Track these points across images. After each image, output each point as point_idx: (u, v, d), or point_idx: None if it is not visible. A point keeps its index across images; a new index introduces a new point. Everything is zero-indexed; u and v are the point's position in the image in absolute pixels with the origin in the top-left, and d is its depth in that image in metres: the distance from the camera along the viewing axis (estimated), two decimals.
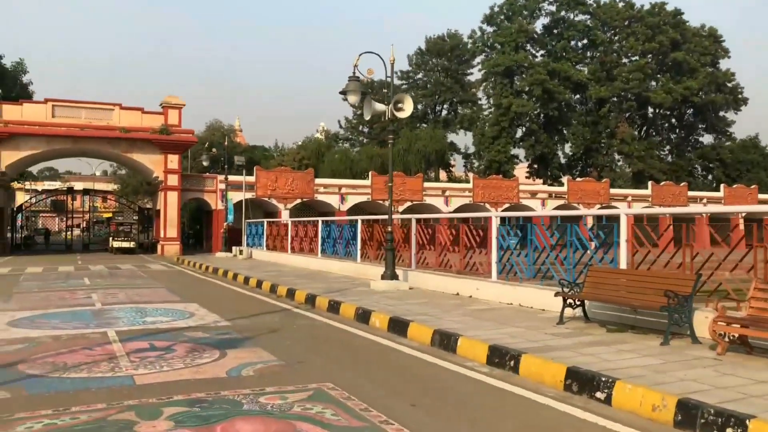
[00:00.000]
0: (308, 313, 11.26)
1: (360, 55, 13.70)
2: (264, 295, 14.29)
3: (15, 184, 65.64)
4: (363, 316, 10.26)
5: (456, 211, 41.99)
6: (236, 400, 5.51)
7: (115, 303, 12.34)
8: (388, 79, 13.83)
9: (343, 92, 13.77)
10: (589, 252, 10.11)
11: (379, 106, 13.77)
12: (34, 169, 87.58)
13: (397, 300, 11.66)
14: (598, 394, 5.85)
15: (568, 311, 8.98)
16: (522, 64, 55.04)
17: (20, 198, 57.05)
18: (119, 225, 40.72)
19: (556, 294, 9.00)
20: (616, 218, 9.74)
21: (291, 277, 17.01)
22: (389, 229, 13.71)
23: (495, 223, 11.84)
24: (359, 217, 17.67)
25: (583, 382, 6.05)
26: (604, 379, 5.88)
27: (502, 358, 7.11)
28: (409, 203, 41.89)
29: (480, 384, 6.36)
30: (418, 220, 14.80)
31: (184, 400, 5.46)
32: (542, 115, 57.25)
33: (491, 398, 5.87)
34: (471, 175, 62.47)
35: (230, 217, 30.38)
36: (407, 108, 13.46)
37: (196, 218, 45.85)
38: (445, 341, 8.08)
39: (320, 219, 20.39)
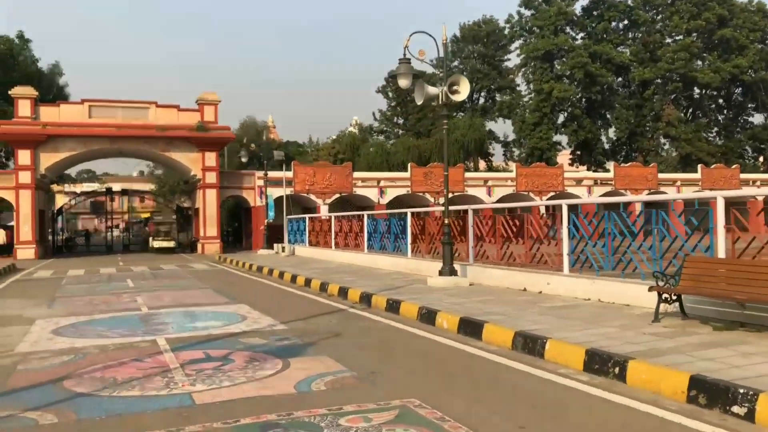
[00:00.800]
0: (366, 314, 10.47)
1: (410, 35, 12.82)
2: (314, 294, 13.56)
3: (55, 187, 66.57)
4: (427, 317, 9.43)
5: (499, 201, 40.88)
6: (314, 422, 4.72)
7: (161, 306, 11.72)
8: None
9: (393, 76, 13.00)
10: (680, 240, 9.09)
11: (432, 90, 12.89)
12: (73, 172, 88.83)
13: (461, 297, 10.79)
14: (736, 409, 4.93)
15: (662, 307, 8.00)
16: (562, 47, 53.45)
17: (60, 201, 57.63)
18: (158, 225, 40.52)
19: (651, 288, 8.03)
20: (705, 203, 8.75)
21: (339, 274, 16.27)
22: (446, 221, 12.83)
23: (566, 212, 10.89)
24: (408, 210, 16.83)
25: (714, 394, 5.13)
26: (742, 390, 4.94)
27: (603, 364, 6.20)
28: (450, 194, 40.79)
29: (591, 398, 5.46)
30: (475, 211, 13.90)
31: (254, 425, 4.70)
32: (584, 100, 55.61)
33: (613, 415, 4.98)
34: (511, 164, 61.38)
35: (271, 214, 29.82)
36: (463, 90, 12.55)
37: (234, 216, 45.56)
38: (530, 345, 7.20)
39: (365, 213, 19.61)
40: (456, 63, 63.01)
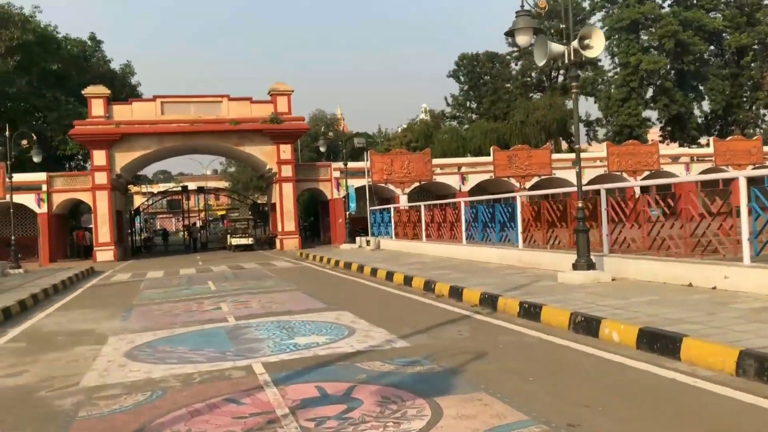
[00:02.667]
0: (497, 321, 8.49)
1: None
2: (419, 295, 11.68)
3: (132, 188, 67.43)
4: (585, 326, 7.37)
5: (590, 183, 38.00)
6: None
7: (250, 316, 10.07)
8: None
9: (510, 32, 10.82)
10: None
11: (557, 47, 10.74)
12: (149, 173, 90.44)
13: (614, 298, 8.67)
14: None
15: None
16: (648, 16, 49.66)
17: (138, 202, 57.99)
18: (234, 221, 39.63)
19: None
20: None
21: (440, 270, 14.32)
22: (579, 205, 10.66)
23: (744, 186, 8.60)
24: (518, 194, 14.75)
25: None
26: None
27: None
28: (536, 178, 38.32)
29: None
30: (609, 191, 11.69)
31: None
32: (674, 71, 51.63)
33: None
34: (594, 144, 57.98)
35: (352, 206, 28.15)
36: (597, 44, 10.35)
37: (310, 209, 44.32)
38: None
39: (462, 200, 17.58)
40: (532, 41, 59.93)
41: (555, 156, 39.91)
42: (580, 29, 10.62)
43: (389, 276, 14.41)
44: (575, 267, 10.56)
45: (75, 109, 35.02)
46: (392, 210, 23.54)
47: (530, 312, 8.58)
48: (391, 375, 5.83)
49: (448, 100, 65.78)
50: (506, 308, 9.18)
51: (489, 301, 9.72)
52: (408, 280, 13.21)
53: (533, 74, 60.35)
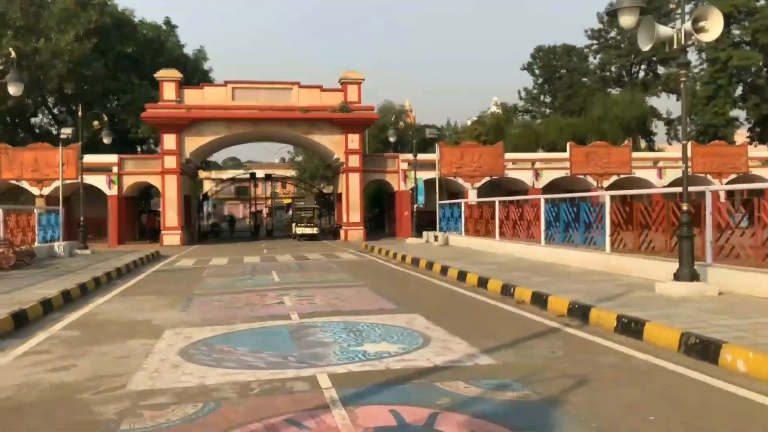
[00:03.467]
0: (591, 337, 7.47)
1: None
2: (496, 299, 10.72)
3: (202, 174, 68.47)
4: (700, 350, 6.30)
5: (671, 184, 35.95)
6: None
7: (314, 313, 9.33)
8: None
9: (612, 13, 9.68)
10: None
11: (665, 30, 9.53)
12: (219, 160, 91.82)
13: (732, 317, 7.51)
14: None
15: None
16: (742, 9, 46.65)
17: (207, 187, 58.67)
18: (299, 210, 39.36)
19: None
20: None
21: (517, 272, 13.30)
22: (685, 208, 9.45)
23: None
24: (607, 193, 13.52)
25: None
26: None
27: None
28: (615, 176, 36.49)
29: None
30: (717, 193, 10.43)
31: None
32: (767, 69, 48.42)
33: None
34: (675, 143, 55.17)
35: (420, 199, 27.23)
36: (714, 27, 9.12)
37: (376, 201, 43.67)
38: None
39: (542, 197, 16.43)
40: (613, 33, 57.54)
41: (635, 154, 37.92)
42: (694, 10, 9.34)
43: (462, 276, 13.47)
44: (677, 277, 9.38)
45: (148, 92, 35.34)
46: (463, 205, 22.51)
47: (630, 328, 7.52)
48: (478, 401, 4.93)
49: (521, 94, 64.05)
50: (600, 321, 8.13)
51: (579, 312, 8.68)
52: (483, 282, 12.25)
53: (613, 68, 57.93)
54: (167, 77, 30.98)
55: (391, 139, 27.68)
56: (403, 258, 18.77)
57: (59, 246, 20.82)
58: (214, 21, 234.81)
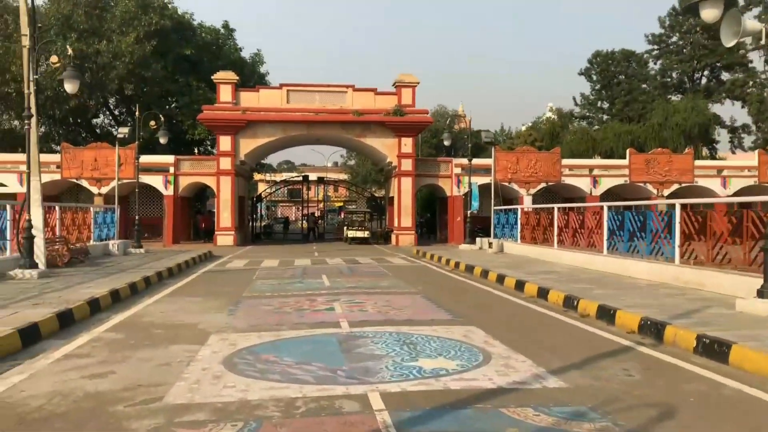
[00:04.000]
0: (669, 358, 6.78)
1: None
2: (557, 312, 10.07)
3: (257, 176, 69.09)
4: None
5: (736, 194, 34.32)
6: None
7: (365, 322, 8.87)
8: None
9: (691, 7, 8.95)
10: None
11: (752, 24, 8.73)
12: (274, 163, 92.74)
13: None
14: None
15: None
16: None
17: (261, 189, 59.08)
18: (351, 213, 39.09)
19: None
20: None
21: (579, 283, 12.57)
22: None
23: None
24: (676, 201, 12.66)
25: None
26: None
27: None
28: (676, 185, 35.02)
29: None
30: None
31: None
32: None
33: None
34: (739, 152, 52.91)
35: (475, 204, 26.52)
36: None
37: (427, 205, 43.09)
38: None
39: (605, 204, 15.61)
40: (675, 39, 55.62)
41: (698, 162, 36.32)
42: None
43: (519, 285, 12.82)
44: (761, 294, 8.57)
45: (205, 94, 35.64)
46: (519, 211, 21.75)
47: (713, 350, 6.80)
48: None
49: (577, 100, 62.60)
50: (677, 341, 7.42)
51: (652, 329, 7.98)
52: (543, 293, 11.58)
53: (674, 74, 55.95)
54: (224, 79, 31.14)
55: (446, 143, 27.07)
56: (457, 265, 18.17)
57: (113, 244, 20.99)
58: (272, 26, 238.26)
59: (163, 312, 9.95)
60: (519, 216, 21.51)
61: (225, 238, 30.90)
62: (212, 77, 31.65)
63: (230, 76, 31.30)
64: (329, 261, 20.61)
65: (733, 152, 54.21)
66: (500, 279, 14.11)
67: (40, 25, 15.55)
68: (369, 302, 10.83)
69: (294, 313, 9.74)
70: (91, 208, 21.50)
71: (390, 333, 7.98)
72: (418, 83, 32.36)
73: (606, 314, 9.19)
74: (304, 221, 44.15)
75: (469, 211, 26.06)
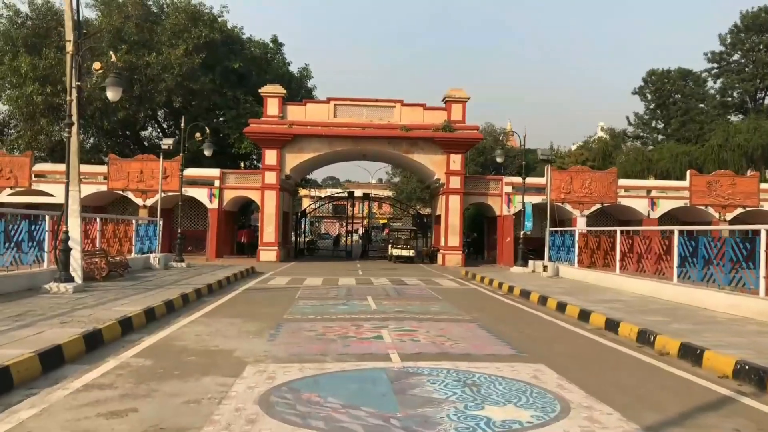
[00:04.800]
0: None
1: None
2: (631, 348, 9.00)
3: (302, 191, 68.92)
4: None
5: None
6: None
7: (419, 355, 7.96)
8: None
9: None
10: None
11: None
12: (319, 178, 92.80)
13: None
14: None
15: None
16: None
17: (306, 204, 58.78)
18: (396, 231, 38.24)
19: None
20: None
21: (649, 314, 11.42)
22: None
23: None
24: (763, 226, 11.42)
25: None
26: None
27: None
28: (740, 209, 33.23)
29: None
30: None
31: None
32: None
33: None
34: None
35: (528, 225, 25.39)
36: None
37: (474, 225, 41.97)
38: None
39: (675, 228, 14.40)
40: (736, 57, 53.59)
41: (764, 185, 34.42)
42: None
43: (584, 315, 11.73)
44: None
45: (252, 108, 35.43)
46: (577, 233, 20.55)
47: None
48: None
49: (630, 119, 60.83)
50: None
51: (752, 376, 6.86)
52: (612, 325, 10.49)
53: (735, 93, 53.80)
54: (271, 93, 30.80)
55: (499, 159, 25.99)
56: (511, 289, 17.10)
57: (155, 258, 20.55)
58: (321, 40, 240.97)
59: (198, 335, 9.22)
60: (576, 238, 20.31)
61: (268, 254, 30.39)
62: (259, 91, 31.37)
63: (277, 89, 30.94)
64: (374, 281, 19.76)
65: None
66: (561, 307, 13.02)
67: (85, 31, 15.18)
68: (420, 330, 9.92)
69: (339, 340, 8.89)
70: (134, 221, 21.14)
71: (448, 370, 7.04)
72: (469, 98, 31.48)
73: (691, 354, 8.09)
74: (348, 237, 43.32)
75: (521, 232, 24.94)
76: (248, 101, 36.56)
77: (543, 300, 14.24)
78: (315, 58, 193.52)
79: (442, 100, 31.79)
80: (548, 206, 24.20)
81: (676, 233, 14.09)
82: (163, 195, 29.58)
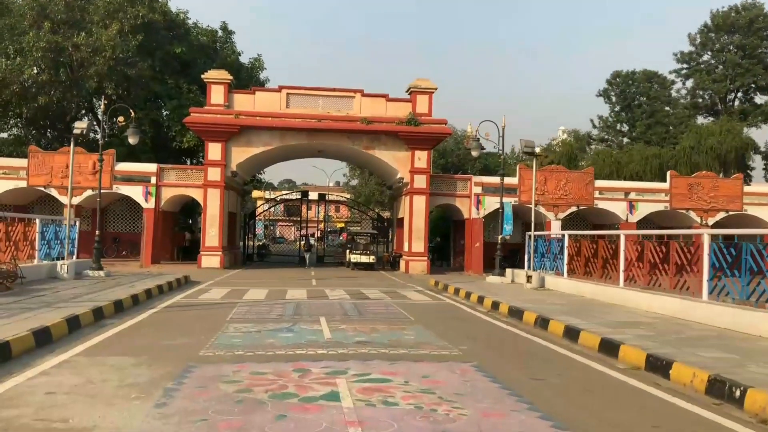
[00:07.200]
0: None
1: None
2: (702, 405, 6.08)
3: (256, 193, 64.97)
4: None
5: None
6: None
7: None
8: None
9: None
10: None
11: None
12: (275, 181, 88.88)
13: None
14: None
15: None
16: None
17: (261, 208, 54.98)
18: (355, 235, 35.04)
19: None
20: None
21: (697, 347, 8.55)
22: None
23: None
24: None
25: None
26: None
27: None
28: (723, 213, 31.07)
29: None
30: None
31: None
32: None
33: None
34: None
35: (507, 229, 22.40)
36: None
37: (438, 229, 38.99)
38: None
39: (705, 232, 11.58)
40: (706, 57, 52.06)
41: (747, 188, 32.36)
42: None
43: (608, 347, 8.75)
44: None
45: (196, 98, 31.87)
46: (566, 238, 17.65)
47: None
48: None
49: (594, 122, 58.98)
50: None
51: None
52: (658, 365, 7.53)
53: (705, 95, 52.26)
54: (216, 79, 27.33)
55: (474, 154, 22.84)
56: (495, 306, 14.06)
57: (63, 266, 16.87)
58: (275, 30, 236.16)
59: (51, 393, 5.89)
60: (566, 244, 17.43)
61: (211, 260, 26.90)
62: (202, 76, 27.88)
63: (223, 75, 27.51)
64: (330, 294, 16.54)
65: (767, 180, 50.37)
66: (571, 334, 10.01)
67: None
68: (396, 381, 6.75)
69: (270, 404, 5.68)
70: (37, 220, 17.41)
71: None
72: (436, 89, 28.56)
73: None
74: (299, 242, 39.70)
75: (499, 236, 21.97)
76: (192, 91, 32.99)
77: (543, 323, 11.21)
78: (269, 50, 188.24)
79: (407, 91, 28.80)
80: (532, 206, 21.36)
81: (707, 238, 11.28)
82: (93, 193, 25.89)
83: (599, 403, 6.17)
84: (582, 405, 6.04)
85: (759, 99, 51.31)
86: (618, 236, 14.54)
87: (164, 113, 33.89)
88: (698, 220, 30.86)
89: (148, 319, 11.24)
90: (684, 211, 30.97)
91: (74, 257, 19.19)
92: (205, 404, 5.64)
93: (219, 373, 6.85)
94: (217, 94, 27.36)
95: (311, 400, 5.86)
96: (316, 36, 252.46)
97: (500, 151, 22.36)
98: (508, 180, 29.12)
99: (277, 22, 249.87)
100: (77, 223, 20.02)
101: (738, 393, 6.19)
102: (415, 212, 28.23)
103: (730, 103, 51.39)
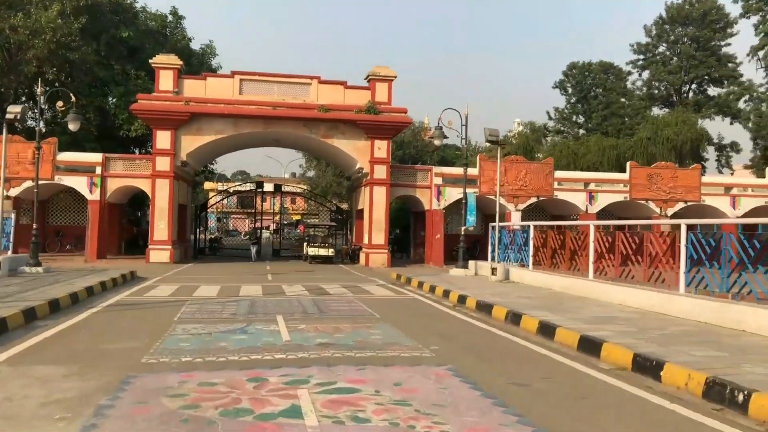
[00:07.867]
0: None
1: None
2: (702, 411, 5.47)
3: (209, 185, 63.24)
4: None
5: (747, 215, 30.65)
6: None
7: None
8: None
9: None
10: None
11: None
12: (229, 173, 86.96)
13: None
14: None
15: None
16: None
17: (214, 201, 53.42)
18: (311, 228, 34.10)
19: None
20: None
21: (687, 344, 8.03)
22: None
23: None
24: None
25: None
26: None
27: None
28: (681, 204, 31.18)
29: None
30: None
31: None
32: None
33: None
34: (726, 171, 49.97)
35: (471, 220, 21.81)
36: None
37: (398, 220, 38.37)
38: None
39: (682, 221, 11.11)
40: (661, 49, 52.49)
41: (705, 179, 32.61)
42: None
43: (589, 347, 8.14)
44: None
45: (144, 84, 30.44)
46: (531, 228, 17.12)
47: None
48: None
49: (550, 114, 59.14)
50: None
51: None
52: (648, 367, 6.94)
53: (661, 87, 52.71)
54: (164, 64, 26.01)
55: (437, 142, 22.16)
56: (462, 299, 13.42)
57: None
58: (227, 17, 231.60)
59: None
60: (531, 235, 16.89)
61: (160, 254, 25.64)
62: (150, 61, 26.50)
63: (172, 60, 26.20)
64: (287, 289, 15.66)
65: (720, 171, 51.22)
66: (546, 330, 9.40)
67: None
68: (365, 390, 5.98)
69: (221, 424, 4.85)
70: None
71: None
72: (395, 77, 27.82)
73: None
74: (248, 236, 38.26)
75: (462, 228, 21.35)
76: (141, 77, 31.52)
77: (515, 318, 10.58)
78: (222, 37, 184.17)
79: (366, 79, 27.97)
80: (497, 197, 20.89)
81: (684, 229, 10.80)
82: (33, 183, 24.32)
83: (596, 414, 5.51)
84: (577, 416, 5.37)
85: (712, 91, 51.96)
86: (587, 226, 14.03)
87: (111, 100, 32.27)
88: (657, 210, 30.92)
89: (87, 320, 10.20)
90: (643, 202, 31.00)
91: (9, 252, 17.88)
92: (144, 425, 4.78)
93: (162, 385, 5.98)
94: (165, 80, 26.07)
95: (269, 417, 5.04)
96: (271, 22, 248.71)
97: (463, 140, 21.73)
98: (468, 171, 28.71)
99: (232, 10, 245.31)
100: (13, 216, 18.62)
101: (741, 398, 5.62)
102: (376, 204, 27.48)
103: (685, 95, 51.94)
